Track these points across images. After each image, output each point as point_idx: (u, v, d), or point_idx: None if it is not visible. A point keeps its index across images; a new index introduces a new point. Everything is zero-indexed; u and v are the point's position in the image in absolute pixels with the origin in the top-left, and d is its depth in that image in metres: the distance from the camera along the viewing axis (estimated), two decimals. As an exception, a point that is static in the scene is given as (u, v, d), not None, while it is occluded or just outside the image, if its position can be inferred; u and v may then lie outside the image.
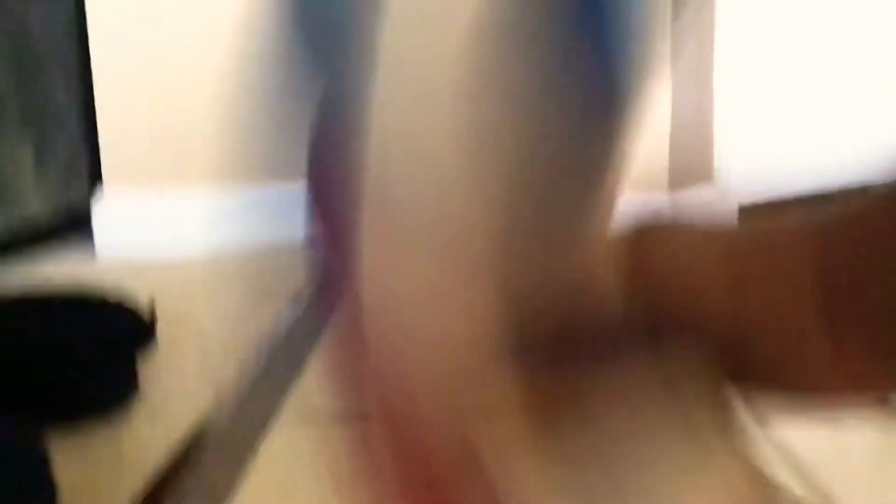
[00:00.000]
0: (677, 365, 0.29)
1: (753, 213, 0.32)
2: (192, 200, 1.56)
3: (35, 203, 1.52)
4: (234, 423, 0.75)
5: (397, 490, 0.30)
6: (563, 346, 0.30)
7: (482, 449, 0.28)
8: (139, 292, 1.21)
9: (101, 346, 0.78)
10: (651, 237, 0.32)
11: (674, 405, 0.29)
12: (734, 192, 1.67)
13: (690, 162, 1.58)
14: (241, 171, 0.31)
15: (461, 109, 0.26)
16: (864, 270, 0.28)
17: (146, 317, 0.83)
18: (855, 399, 0.29)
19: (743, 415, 0.31)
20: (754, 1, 1.49)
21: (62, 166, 1.58)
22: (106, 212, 1.57)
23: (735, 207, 1.66)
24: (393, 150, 0.27)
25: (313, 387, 0.84)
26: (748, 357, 0.30)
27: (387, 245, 0.27)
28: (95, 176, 1.60)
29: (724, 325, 0.30)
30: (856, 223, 0.29)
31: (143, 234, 1.56)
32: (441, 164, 0.26)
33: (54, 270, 1.41)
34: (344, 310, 0.30)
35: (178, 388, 0.85)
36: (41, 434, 0.60)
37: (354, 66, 0.27)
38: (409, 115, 0.26)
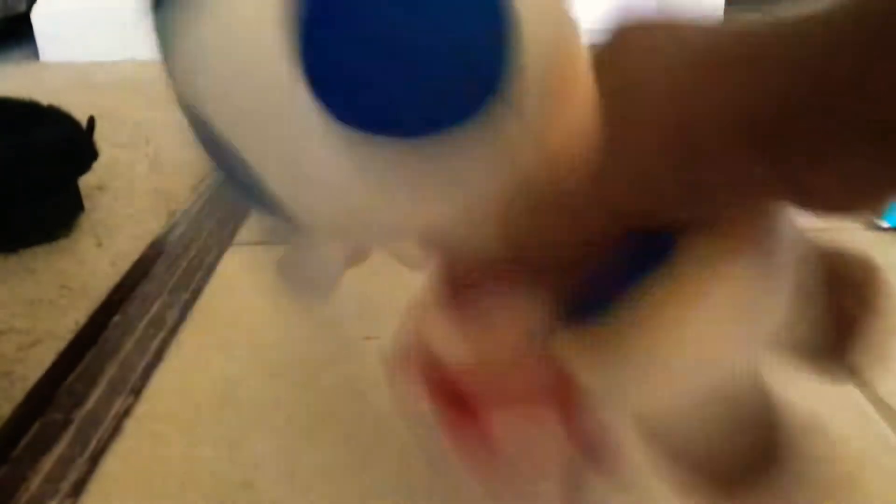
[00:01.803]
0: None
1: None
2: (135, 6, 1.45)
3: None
4: (186, 242, 0.71)
5: None
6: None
7: None
8: (83, 99, 1.14)
9: (38, 163, 0.72)
10: (626, 39, 0.28)
11: None
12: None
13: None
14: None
15: None
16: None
17: (86, 132, 0.76)
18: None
19: None
20: None
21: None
22: (46, 16, 1.46)
23: None
24: None
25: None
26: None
27: None
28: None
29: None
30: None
31: (86, 38, 1.46)
32: None
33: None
34: None
35: (126, 205, 0.80)
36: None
37: None
38: None
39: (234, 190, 0.27)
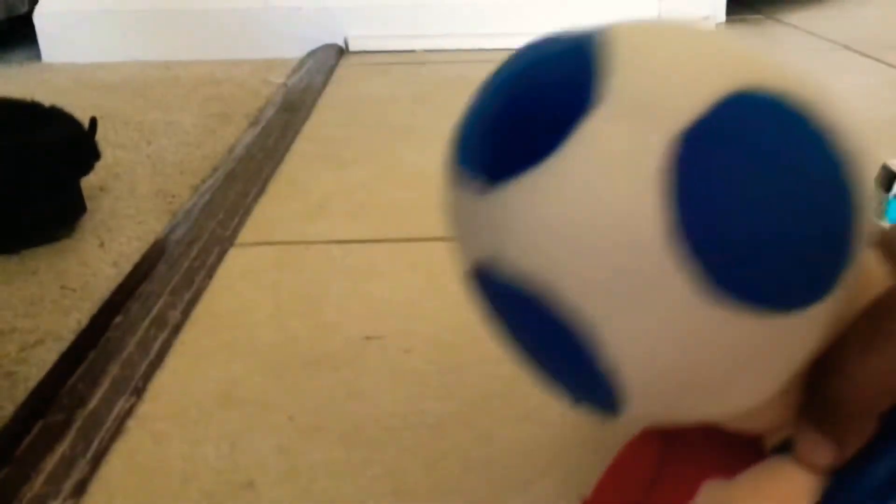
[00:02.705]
0: None
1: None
2: (137, 7, 1.45)
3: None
4: (187, 243, 0.71)
5: None
6: None
7: None
8: (85, 100, 1.14)
9: (41, 164, 0.72)
10: None
11: None
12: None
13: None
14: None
15: None
16: None
17: (88, 133, 0.77)
18: None
19: None
20: None
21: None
22: (48, 17, 1.46)
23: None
24: None
25: (272, 208, 0.80)
26: None
27: None
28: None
29: None
30: None
31: (88, 39, 1.46)
32: None
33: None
34: None
35: (128, 205, 0.81)
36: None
37: None
38: None
39: (548, 365, 0.27)
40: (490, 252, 0.26)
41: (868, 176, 0.25)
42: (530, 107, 0.24)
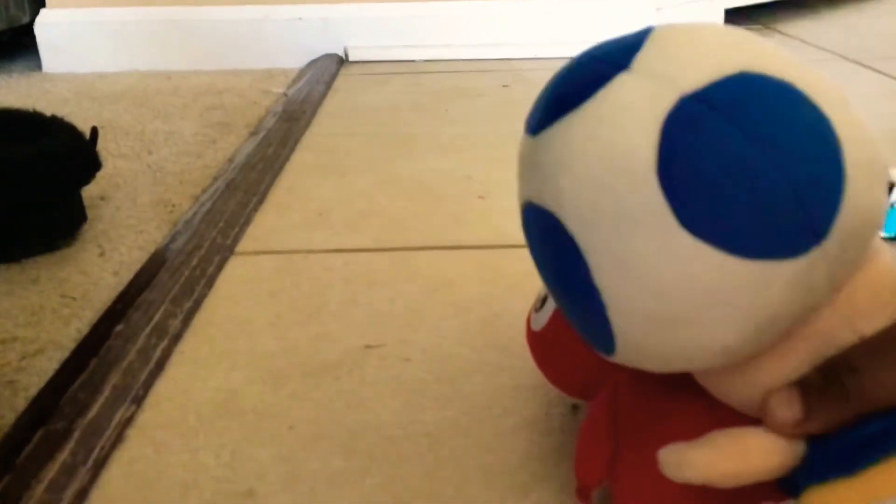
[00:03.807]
0: None
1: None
2: (138, 18, 1.46)
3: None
4: (188, 252, 0.71)
5: None
6: None
7: None
8: (86, 109, 1.14)
9: (42, 173, 0.72)
10: None
11: None
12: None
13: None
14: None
15: None
16: None
17: (89, 142, 0.77)
18: None
19: None
20: None
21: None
22: (49, 27, 1.47)
23: (721, 11, 1.59)
24: None
25: (272, 218, 0.80)
26: None
27: None
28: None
29: None
30: None
31: (89, 49, 1.46)
32: None
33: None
34: None
35: (128, 215, 0.81)
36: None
37: None
38: None
39: (560, 290, 0.31)
40: (532, 188, 0.32)
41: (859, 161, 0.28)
42: (578, 75, 0.31)
